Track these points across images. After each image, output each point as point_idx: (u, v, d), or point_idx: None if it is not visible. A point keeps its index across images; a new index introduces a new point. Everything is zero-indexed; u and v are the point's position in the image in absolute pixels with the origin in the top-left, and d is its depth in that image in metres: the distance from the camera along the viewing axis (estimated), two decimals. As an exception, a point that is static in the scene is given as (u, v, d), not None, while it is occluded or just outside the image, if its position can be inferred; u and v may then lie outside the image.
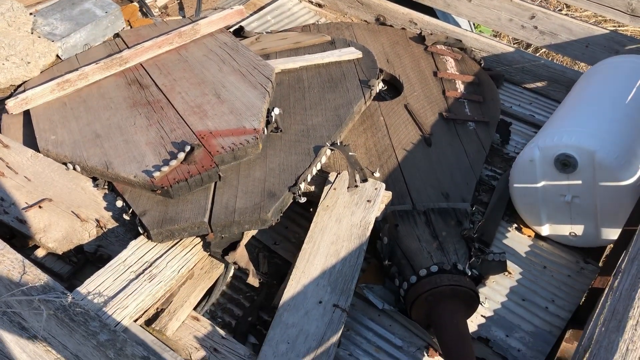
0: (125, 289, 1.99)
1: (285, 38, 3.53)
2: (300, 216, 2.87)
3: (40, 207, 2.41)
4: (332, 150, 2.51)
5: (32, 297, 1.37)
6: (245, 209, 2.16)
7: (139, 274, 2.05)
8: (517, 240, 2.88)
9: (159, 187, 2.22)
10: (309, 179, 2.38)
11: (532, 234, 2.90)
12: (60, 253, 2.29)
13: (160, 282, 2.05)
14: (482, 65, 3.79)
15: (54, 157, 2.58)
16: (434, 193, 2.81)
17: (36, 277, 1.46)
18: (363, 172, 2.48)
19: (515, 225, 2.94)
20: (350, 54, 3.18)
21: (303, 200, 2.26)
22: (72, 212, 2.38)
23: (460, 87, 3.54)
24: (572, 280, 2.69)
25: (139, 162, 2.39)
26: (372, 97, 2.99)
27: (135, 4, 4.08)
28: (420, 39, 3.92)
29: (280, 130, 2.59)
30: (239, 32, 3.64)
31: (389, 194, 2.64)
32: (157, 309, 2.22)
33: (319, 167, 2.47)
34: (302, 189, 2.29)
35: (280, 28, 4.05)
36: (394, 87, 3.67)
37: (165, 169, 2.28)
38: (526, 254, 2.82)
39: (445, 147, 3.09)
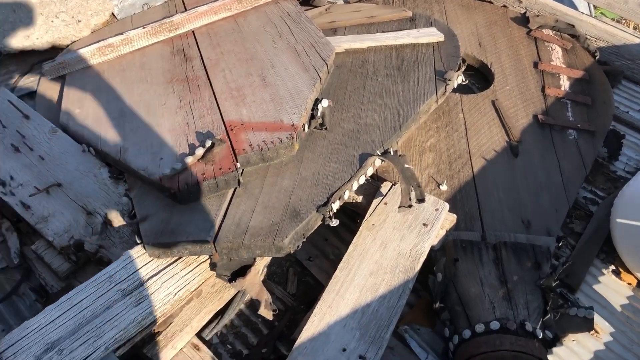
0: (105, 312, 1.66)
1: (359, 10, 3.04)
2: (344, 228, 2.43)
3: (47, 192, 2.14)
4: (382, 160, 2.04)
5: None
6: (260, 230, 1.75)
7: (126, 295, 1.72)
8: (612, 287, 2.29)
9: (166, 188, 1.86)
10: (346, 197, 1.92)
11: (634, 282, 2.30)
12: (58, 248, 2.01)
13: (149, 307, 1.70)
14: (597, 57, 3.11)
15: (71, 135, 2.29)
16: (512, 219, 2.28)
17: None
18: (420, 190, 2.00)
19: (612, 267, 2.35)
20: (430, 35, 2.64)
21: (334, 223, 1.82)
22: (78, 203, 2.09)
23: (565, 83, 2.91)
24: (681, 352, 2.09)
25: (154, 153, 2.04)
26: (446, 94, 2.45)
27: (205, -39, 3.70)
28: (523, 20, 3.29)
29: (325, 128, 2.14)
30: (309, 0, 3.19)
31: (453, 217, 2.15)
32: (154, 330, 1.90)
33: (362, 180, 2.01)
34: (335, 209, 1.85)
35: (360, -2, 3.55)
36: (484, 77, 3.11)
37: (178, 166, 1.91)
38: (623, 308, 2.23)
39: (535, 159, 2.52)
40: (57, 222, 2.06)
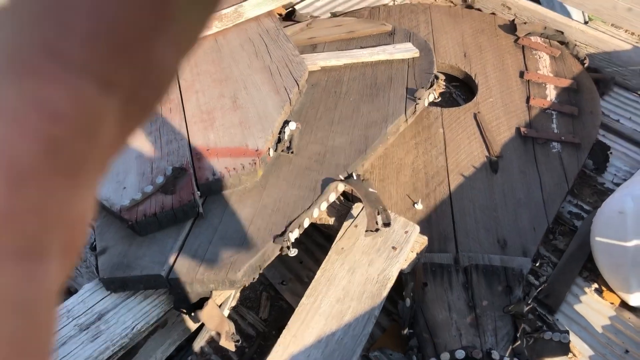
0: (59, 349, 1.66)
1: (339, 25, 3.00)
2: (320, 249, 2.41)
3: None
4: (345, 185, 2.00)
5: None
6: (214, 263, 1.73)
7: (83, 329, 1.71)
8: (594, 307, 2.23)
9: (125, 220, 1.86)
10: (306, 224, 1.89)
11: (617, 301, 2.23)
12: (27, 280, 2.02)
13: (105, 343, 1.70)
14: (586, 65, 3.02)
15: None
16: (488, 239, 2.23)
17: None
18: (387, 214, 1.96)
19: (595, 286, 2.28)
20: (406, 51, 2.60)
21: (293, 253, 1.79)
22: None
23: (552, 93, 2.84)
24: (662, 377, 2.02)
25: (119, 182, 2.04)
26: (416, 113, 2.40)
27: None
28: (511, 27, 3.22)
29: (292, 152, 2.12)
30: (291, 15, 3.16)
31: (424, 239, 2.10)
32: (117, 361, 1.89)
33: (324, 207, 1.97)
34: (293, 239, 1.82)
35: (349, 8, 3.53)
36: (470, 89, 3.05)
37: (138, 197, 1.90)
38: (604, 329, 2.17)
39: (515, 175, 2.46)
40: (26, 252, 2.07)
